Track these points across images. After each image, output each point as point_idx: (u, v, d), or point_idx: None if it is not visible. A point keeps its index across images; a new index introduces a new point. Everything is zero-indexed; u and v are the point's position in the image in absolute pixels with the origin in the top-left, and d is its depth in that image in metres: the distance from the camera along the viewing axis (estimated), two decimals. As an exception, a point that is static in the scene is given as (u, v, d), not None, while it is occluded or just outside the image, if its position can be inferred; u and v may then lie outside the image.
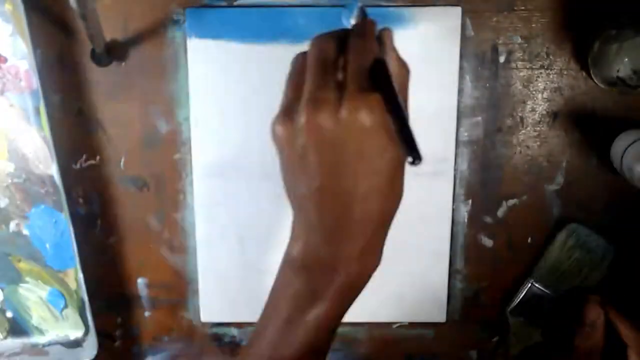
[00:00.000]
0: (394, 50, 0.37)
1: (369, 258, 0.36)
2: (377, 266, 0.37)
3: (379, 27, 0.38)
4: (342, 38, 0.36)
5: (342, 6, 0.39)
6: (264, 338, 0.36)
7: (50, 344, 0.51)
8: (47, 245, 0.48)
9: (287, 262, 0.37)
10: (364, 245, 0.35)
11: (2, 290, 0.49)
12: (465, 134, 0.49)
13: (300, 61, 0.36)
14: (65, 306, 0.50)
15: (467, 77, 0.48)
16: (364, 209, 0.34)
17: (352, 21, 0.38)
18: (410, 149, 0.30)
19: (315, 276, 0.36)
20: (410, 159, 0.29)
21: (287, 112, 0.34)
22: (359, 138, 0.32)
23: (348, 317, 0.52)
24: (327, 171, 0.33)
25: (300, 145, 0.33)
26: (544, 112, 0.49)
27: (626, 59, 0.41)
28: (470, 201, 0.50)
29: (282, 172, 0.36)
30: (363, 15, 0.39)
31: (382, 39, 0.37)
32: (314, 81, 0.33)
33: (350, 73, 0.33)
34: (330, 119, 0.32)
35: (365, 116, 0.31)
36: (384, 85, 0.32)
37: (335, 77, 0.33)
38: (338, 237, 0.35)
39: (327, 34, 0.36)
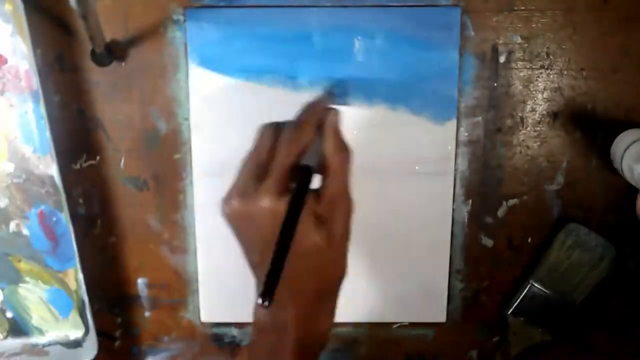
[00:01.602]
0: (336, 133, 0.38)
1: (320, 320, 0.38)
2: (330, 325, 0.39)
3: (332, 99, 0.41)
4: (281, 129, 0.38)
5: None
6: None
7: (50, 344, 0.51)
8: (47, 246, 0.48)
9: (252, 322, 0.40)
10: (308, 311, 0.37)
11: (2, 290, 0.49)
12: (465, 134, 0.49)
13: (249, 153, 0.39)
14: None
15: (467, 77, 0.48)
16: (299, 285, 0.36)
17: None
18: (265, 289, 0.31)
19: (271, 337, 0.38)
20: (259, 300, 0.30)
21: (228, 194, 0.37)
22: (277, 222, 0.34)
23: (348, 317, 0.52)
24: (260, 249, 0.36)
25: (232, 226, 0.37)
26: (544, 112, 0.49)
27: None
28: (470, 201, 0.50)
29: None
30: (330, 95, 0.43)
31: (325, 121, 0.39)
32: (245, 170, 0.37)
33: (274, 167, 0.36)
34: (250, 206, 0.35)
35: (280, 207, 0.34)
36: (296, 198, 0.34)
37: (266, 166, 0.36)
38: (283, 303, 0.36)
39: (270, 124, 0.39)
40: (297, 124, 0.38)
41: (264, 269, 0.33)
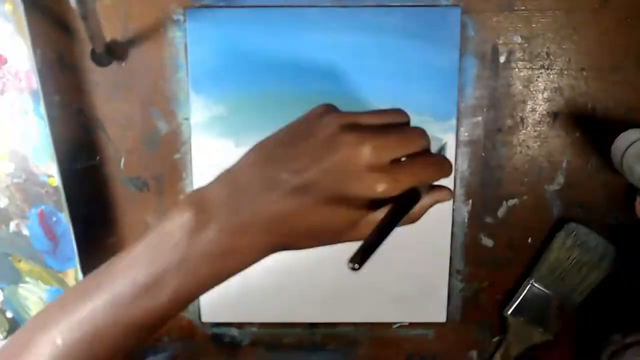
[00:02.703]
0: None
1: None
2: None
3: None
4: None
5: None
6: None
7: (50, 344, 0.51)
8: (47, 246, 0.48)
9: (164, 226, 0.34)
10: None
11: (2, 290, 0.49)
12: (466, 134, 0.49)
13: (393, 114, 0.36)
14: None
15: (467, 77, 0.48)
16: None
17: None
18: (361, 256, 0.30)
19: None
20: (350, 264, 0.30)
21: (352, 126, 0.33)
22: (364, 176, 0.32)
23: (348, 317, 0.52)
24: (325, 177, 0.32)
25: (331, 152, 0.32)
26: (544, 112, 0.49)
27: None
28: (470, 201, 0.50)
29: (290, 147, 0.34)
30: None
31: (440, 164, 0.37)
32: (382, 136, 0.33)
33: (402, 165, 0.33)
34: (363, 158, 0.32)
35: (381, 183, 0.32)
36: (398, 208, 0.33)
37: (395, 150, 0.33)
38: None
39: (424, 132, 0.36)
40: (433, 162, 0.36)
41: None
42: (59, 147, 0.47)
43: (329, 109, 0.35)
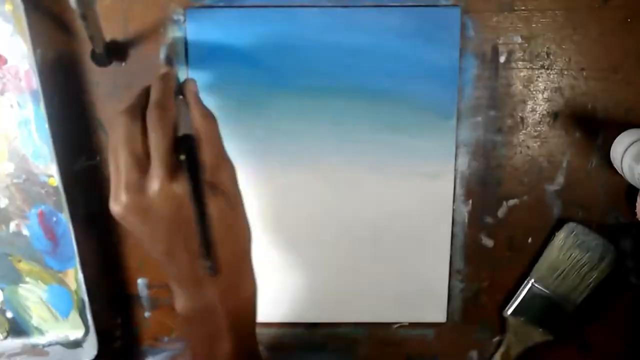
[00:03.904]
0: (197, 102, 0.38)
1: (242, 286, 0.38)
2: (254, 289, 0.39)
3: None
4: (144, 105, 0.37)
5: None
6: None
7: (50, 344, 0.51)
8: (47, 246, 0.48)
9: (181, 320, 0.39)
10: (230, 281, 0.37)
11: (2, 290, 0.49)
12: (466, 134, 0.49)
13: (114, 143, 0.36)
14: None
15: (467, 77, 0.48)
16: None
17: (162, 68, 0.41)
18: (212, 263, 0.33)
19: (203, 321, 0.38)
20: (210, 272, 0.33)
21: (114, 192, 0.35)
22: (176, 205, 0.34)
23: (348, 317, 0.52)
24: (165, 237, 0.35)
25: (129, 223, 0.35)
26: (545, 112, 0.49)
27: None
28: (470, 201, 0.50)
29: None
30: (168, 63, 0.43)
31: (184, 92, 0.39)
32: (124, 164, 0.34)
33: (153, 151, 0.34)
34: (142, 198, 0.34)
35: (175, 189, 0.34)
36: (191, 165, 0.34)
37: (144, 153, 0.35)
38: (200, 283, 0.36)
39: (130, 107, 0.37)
40: (157, 102, 0.36)
41: (176, 255, 0.35)
42: (59, 147, 0.47)
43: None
